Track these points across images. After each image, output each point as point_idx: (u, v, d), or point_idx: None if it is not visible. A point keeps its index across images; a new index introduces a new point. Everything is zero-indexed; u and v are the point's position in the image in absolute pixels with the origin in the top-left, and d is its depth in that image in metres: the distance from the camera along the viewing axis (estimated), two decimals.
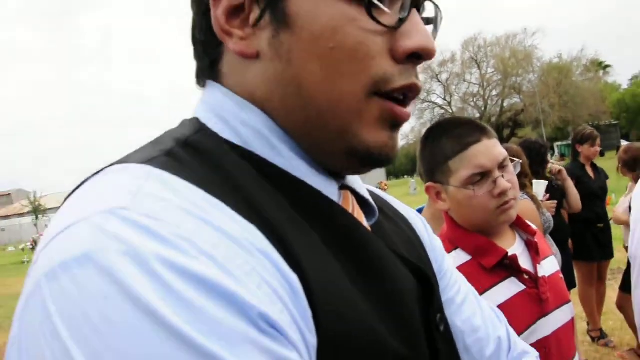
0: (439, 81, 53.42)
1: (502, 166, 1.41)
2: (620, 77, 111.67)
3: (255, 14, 0.57)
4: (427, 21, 0.64)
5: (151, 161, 0.50)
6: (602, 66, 66.61)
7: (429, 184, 1.52)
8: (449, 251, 1.45)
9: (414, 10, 0.57)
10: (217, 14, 0.57)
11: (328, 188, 0.61)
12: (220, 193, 0.48)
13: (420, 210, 2.43)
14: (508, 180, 1.40)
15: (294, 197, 0.56)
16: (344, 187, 0.65)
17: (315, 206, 0.58)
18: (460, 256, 1.43)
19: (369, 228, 0.65)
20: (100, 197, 0.45)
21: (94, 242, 0.40)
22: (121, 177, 0.48)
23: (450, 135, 1.43)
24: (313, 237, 0.53)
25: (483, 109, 52.89)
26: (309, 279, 0.47)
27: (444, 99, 53.98)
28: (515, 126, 52.47)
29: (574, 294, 4.78)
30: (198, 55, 0.64)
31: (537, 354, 0.90)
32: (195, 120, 0.61)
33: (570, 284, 4.33)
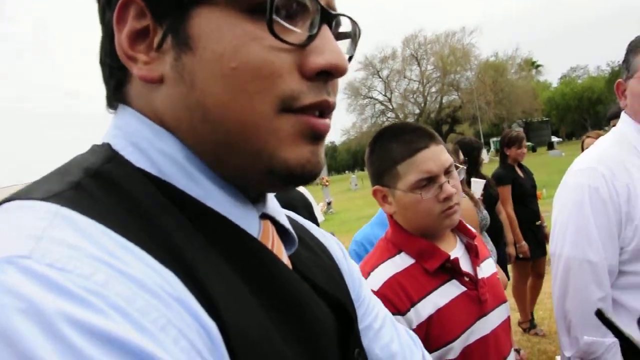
0: (380, 77, 54.23)
1: (447, 172, 1.46)
2: (551, 76, 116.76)
3: (158, 37, 0.54)
4: (344, 35, 0.63)
5: (57, 196, 0.45)
6: (535, 65, 69.56)
7: (376, 187, 1.54)
8: (393, 255, 1.49)
9: (325, 27, 0.56)
10: (121, 38, 0.55)
11: (248, 219, 0.59)
12: (135, 235, 0.45)
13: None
14: (453, 185, 1.45)
15: (213, 234, 0.53)
16: (264, 215, 0.64)
17: (234, 244, 0.55)
18: (405, 260, 1.47)
19: (288, 260, 0.65)
20: None
21: None
22: (23, 218, 0.43)
23: (399, 141, 1.46)
24: (232, 278, 0.51)
25: (423, 105, 54.12)
26: (227, 325, 0.46)
27: (385, 95, 54.89)
28: (454, 122, 53.99)
29: (510, 287, 5.03)
30: (105, 78, 0.61)
31: None
32: (107, 146, 0.56)
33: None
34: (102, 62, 0.60)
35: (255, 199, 0.62)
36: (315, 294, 0.63)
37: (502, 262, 4.48)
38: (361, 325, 0.78)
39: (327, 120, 0.58)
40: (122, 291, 0.39)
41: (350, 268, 0.82)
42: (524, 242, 4.85)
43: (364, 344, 0.77)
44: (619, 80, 1.86)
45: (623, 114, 1.87)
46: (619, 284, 1.74)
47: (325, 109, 0.57)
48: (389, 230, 1.59)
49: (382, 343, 0.80)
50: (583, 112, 64.62)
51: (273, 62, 0.52)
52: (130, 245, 0.43)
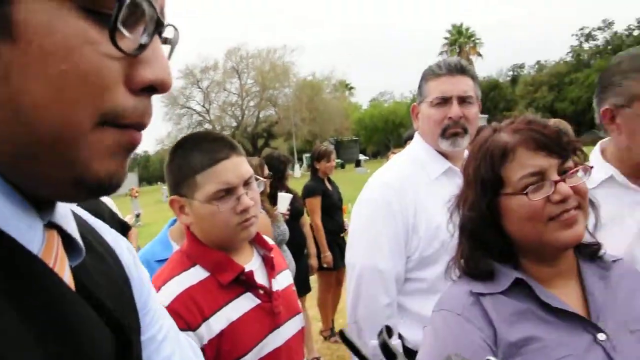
0: (200, 88, 53.63)
1: (246, 183, 1.45)
2: (362, 98, 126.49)
3: None
4: (165, 41, 0.59)
5: None
6: (348, 87, 74.68)
7: (173, 197, 1.48)
8: (187, 267, 1.44)
9: (156, 37, 0.53)
10: None
11: (30, 232, 0.52)
12: None
13: (173, 222, 2.39)
14: (251, 197, 1.44)
15: None
16: (50, 223, 0.57)
17: (8, 265, 0.48)
18: (199, 273, 1.42)
19: (70, 275, 0.58)
20: None
21: None
22: None
23: (200, 149, 1.42)
24: (5, 313, 0.45)
25: (240, 118, 54.61)
26: None
27: (203, 106, 54.37)
28: (269, 137, 55.33)
29: (311, 297, 5.25)
30: None
31: None
32: None
33: (306, 290, 4.75)
34: None
35: (43, 205, 0.55)
36: (97, 314, 0.58)
37: (304, 273, 4.67)
38: (145, 336, 0.75)
39: (141, 133, 0.55)
40: None
41: (139, 275, 0.78)
42: (328, 253, 5.09)
43: (145, 356, 0.73)
44: (414, 104, 2.07)
45: (416, 134, 2.07)
46: (405, 290, 1.91)
47: (142, 127, 0.54)
48: (185, 242, 1.53)
49: (162, 355, 0.77)
50: (388, 133, 70.52)
51: (103, 71, 0.48)
52: None
